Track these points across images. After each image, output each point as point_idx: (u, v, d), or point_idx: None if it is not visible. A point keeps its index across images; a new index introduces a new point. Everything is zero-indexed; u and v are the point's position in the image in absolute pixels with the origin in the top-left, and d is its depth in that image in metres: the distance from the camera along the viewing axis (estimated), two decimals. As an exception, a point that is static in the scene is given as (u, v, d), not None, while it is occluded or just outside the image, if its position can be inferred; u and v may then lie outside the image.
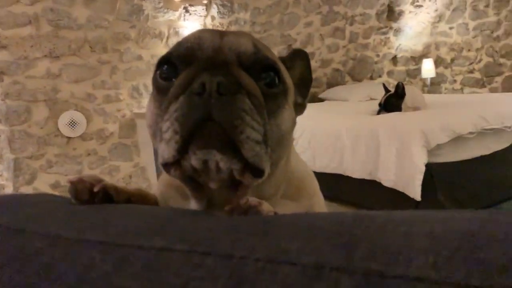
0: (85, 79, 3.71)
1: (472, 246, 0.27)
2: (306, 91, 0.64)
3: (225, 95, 0.46)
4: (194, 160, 0.46)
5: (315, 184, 0.69)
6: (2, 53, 3.42)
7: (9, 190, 3.61)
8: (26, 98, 3.51)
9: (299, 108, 0.62)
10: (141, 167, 4.01)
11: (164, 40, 4.06)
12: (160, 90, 0.52)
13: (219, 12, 4.30)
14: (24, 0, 3.44)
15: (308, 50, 4.89)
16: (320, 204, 0.68)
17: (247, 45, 0.51)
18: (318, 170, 3.42)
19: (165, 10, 4.03)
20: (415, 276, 0.25)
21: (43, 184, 3.61)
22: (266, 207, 0.48)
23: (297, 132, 3.40)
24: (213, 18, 4.29)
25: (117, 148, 3.92)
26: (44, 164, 3.60)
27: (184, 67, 0.51)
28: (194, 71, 0.48)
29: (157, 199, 0.62)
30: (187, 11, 4.13)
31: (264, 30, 4.57)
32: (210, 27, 4.27)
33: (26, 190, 3.55)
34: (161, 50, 4.03)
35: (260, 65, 0.51)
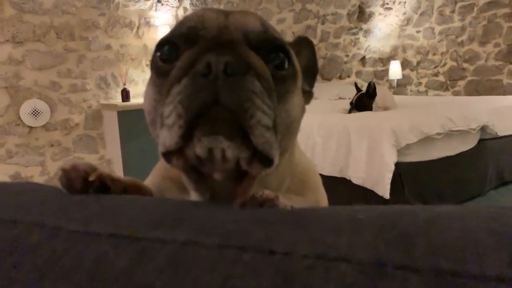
0: (50, 66, 3.56)
1: None
2: (312, 80, 0.61)
3: (233, 76, 0.41)
4: (199, 147, 0.42)
5: (318, 178, 0.66)
6: (-39, 35, 3.23)
7: (-36, 180, 3.42)
8: (-15, 84, 3.33)
9: (307, 96, 0.59)
10: (107, 160, 3.90)
11: (135, 30, 3.95)
12: (161, 73, 0.47)
13: (191, 3, 4.23)
14: (-15, -20, 3.26)
15: (279, 47, 4.89)
16: (324, 199, 0.65)
17: (254, 24, 0.48)
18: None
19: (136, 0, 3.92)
20: (494, 276, 0.23)
21: (2, 175, 3.44)
22: (283, 201, 0.44)
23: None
24: (185, 9, 4.21)
25: (82, 139, 3.79)
26: (4, 154, 3.43)
27: (186, 47, 0.46)
28: (198, 51, 0.44)
29: (151, 191, 0.57)
30: (159, 1, 4.03)
31: (236, 24, 4.53)
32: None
33: (-16, 181, 3.38)
34: (131, 40, 3.93)
35: (269, 45, 0.47)
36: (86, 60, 3.72)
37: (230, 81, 0.41)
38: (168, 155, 0.44)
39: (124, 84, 3.78)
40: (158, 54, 0.48)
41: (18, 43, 3.41)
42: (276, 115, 0.45)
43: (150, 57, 3.49)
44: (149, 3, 3.99)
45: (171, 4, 4.11)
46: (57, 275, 0.30)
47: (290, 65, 0.49)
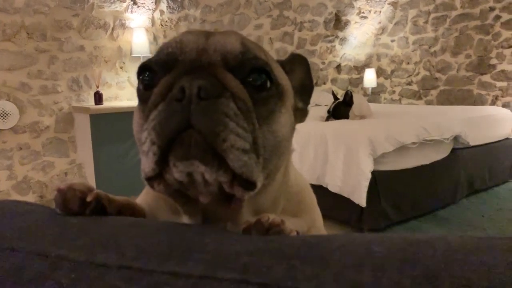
0: (20, 67, 3.44)
1: None
2: (307, 97, 0.60)
3: (207, 99, 0.41)
4: (176, 172, 0.42)
5: (313, 197, 0.65)
6: None
7: None
8: (-50, 84, 3.19)
9: (300, 114, 0.58)
10: (78, 164, 3.79)
11: (109, 31, 3.86)
12: (142, 100, 0.48)
13: (168, 6, 4.17)
14: (-47, -24, 3.12)
15: (256, 52, 4.87)
16: (319, 219, 0.64)
17: (234, 45, 0.47)
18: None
19: (112, 0, 3.83)
20: None
21: (-34, 179, 3.29)
22: (289, 227, 0.43)
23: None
24: (162, 12, 4.15)
25: (52, 143, 3.67)
26: (-31, 157, 3.29)
27: (165, 73, 0.46)
28: (174, 75, 0.44)
29: (144, 212, 0.55)
30: (135, 3, 3.96)
31: (214, 29, 4.48)
32: (158, 21, 4.13)
33: None
34: (105, 42, 3.84)
35: (248, 66, 0.46)
36: (58, 61, 3.61)
37: (203, 105, 0.41)
38: (149, 181, 0.44)
39: (98, 87, 3.68)
40: (140, 79, 0.49)
41: (-14, 42, 3.28)
42: (258, 137, 0.44)
43: (124, 60, 3.43)
44: (124, 5, 3.91)
45: (148, 6, 4.04)
46: None
47: (273, 85, 0.48)
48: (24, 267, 0.32)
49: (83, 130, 3.58)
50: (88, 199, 0.45)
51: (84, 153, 3.64)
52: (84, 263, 0.31)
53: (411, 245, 0.31)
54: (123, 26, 3.92)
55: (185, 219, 0.51)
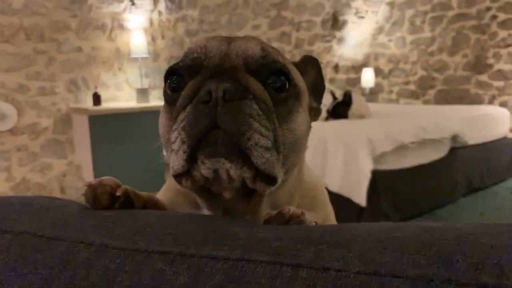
0: (18, 68, 3.43)
1: None
2: (319, 97, 0.62)
3: (232, 101, 0.44)
4: (203, 169, 0.45)
5: (326, 194, 0.67)
6: None
7: None
8: None
9: (314, 113, 0.61)
10: (76, 165, 3.78)
11: (107, 32, 3.86)
12: (170, 102, 0.51)
13: (166, 7, 4.17)
14: (-50, -23, 3.11)
15: (254, 52, 4.88)
16: (332, 214, 0.66)
17: (254, 49, 0.50)
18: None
19: (110, 1, 3.83)
20: None
21: (-35, 181, 3.28)
22: (308, 218, 0.46)
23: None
24: (160, 13, 4.15)
25: (51, 144, 3.67)
26: (-33, 159, 3.28)
27: (191, 77, 0.49)
28: (201, 79, 0.47)
29: (165, 206, 0.58)
30: (133, 3, 3.95)
31: (212, 29, 4.49)
32: (156, 22, 4.13)
33: None
34: (103, 43, 3.84)
35: (268, 69, 0.49)
36: (56, 63, 3.61)
37: (228, 106, 0.44)
38: (177, 177, 0.47)
39: (96, 88, 3.68)
40: (168, 83, 0.51)
41: (-16, 44, 3.28)
42: (278, 135, 0.47)
43: (122, 61, 3.43)
44: (122, 6, 3.91)
45: (146, 7, 4.04)
46: None
47: (291, 86, 0.51)
48: (71, 255, 0.34)
49: (81, 131, 3.58)
50: (118, 193, 0.48)
51: (83, 154, 3.64)
52: (127, 250, 0.33)
53: (426, 230, 0.33)
54: (121, 27, 3.92)
55: (205, 213, 0.54)
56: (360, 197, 2.74)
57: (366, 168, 2.76)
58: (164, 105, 0.53)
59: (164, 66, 4.21)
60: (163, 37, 4.19)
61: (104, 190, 0.47)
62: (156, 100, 4.09)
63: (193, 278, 0.30)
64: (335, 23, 5.56)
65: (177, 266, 0.31)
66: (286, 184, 0.53)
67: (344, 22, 5.63)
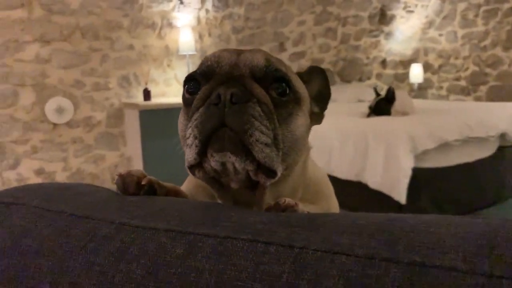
0: (75, 65, 3.66)
1: (491, 245, 0.33)
2: (324, 103, 0.69)
3: (238, 103, 0.51)
4: (212, 162, 0.52)
5: (330, 188, 0.73)
6: (-9, 34, 3.35)
7: (-9, 174, 3.55)
8: (13, 82, 3.45)
9: (316, 117, 0.67)
10: (127, 157, 3.99)
11: (157, 30, 4.03)
12: (186, 104, 0.58)
13: (213, 5, 4.29)
14: (16, -19, 3.37)
15: (299, 49, 4.92)
16: (335, 206, 0.72)
17: (259, 60, 0.57)
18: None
19: (160, 1, 4.00)
20: (449, 266, 0.31)
21: (27, 170, 3.56)
22: (301, 208, 0.53)
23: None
24: (207, 11, 4.28)
25: (104, 137, 3.89)
26: (29, 150, 3.55)
27: (205, 82, 0.57)
28: (212, 85, 0.55)
29: (187, 196, 0.66)
30: (181, 2, 4.10)
31: (257, 26, 4.57)
32: (203, 20, 4.26)
33: (10, 175, 3.50)
34: (153, 40, 4.01)
35: (271, 76, 0.57)
36: (109, 60, 3.82)
37: (234, 108, 0.51)
38: (191, 169, 0.55)
39: (146, 84, 3.86)
40: (186, 87, 0.59)
41: (45, 43, 3.53)
42: (278, 134, 0.54)
43: (171, 58, 3.58)
44: (171, 4, 4.06)
45: (194, 5, 4.18)
46: (128, 260, 0.39)
47: (291, 92, 0.58)
48: (95, 230, 0.42)
49: (132, 125, 3.77)
50: (143, 182, 0.56)
51: (133, 147, 3.84)
52: (140, 227, 0.42)
53: (389, 220, 0.39)
54: (170, 25, 4.08)
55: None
56: (400, 195, 2.73)
57: (406, 166, 2.74)
58: (182, 107, 0.60)
59: (211, 63, 4.34)
60: (209, 35, 4.31)
61: (131, 179, 0.56)
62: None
63: (187, 250, 0.37)
64: (383, 17, 5.48)
65: (176, 240, 0.38)
66: (288, 179, 0.60)
67: (392, 17, 5.53)
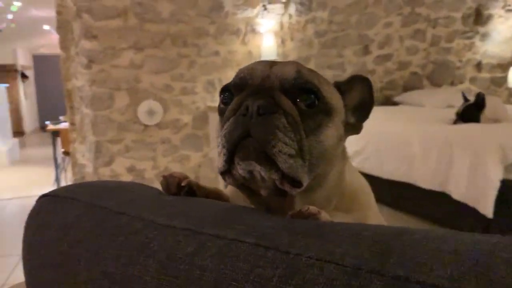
0: (165, 71, 3.91)
1: (486, 266, 0.32)
2: (365, 113, 0.68)
3: (264, 115, 0.54)
4: (240, 169, 0.55)
5: (369, 198, 0.72)
6: (93, 42, 3.70)
7: (89, 170, 3.91)
8: (110, 86, 3.77)
9: (352, 128, 0.67)
10: (210, 158, 4.16)
11: (241, 36, 4.16)
12: (221, 113, 0.62)
13: (296, 10, 4.33)
14: (115, -6, 3.69)
15: (385, 51, 4.78)
16: (373, 217, 0.71)
17: (290, 72, 0.59)
18: (385, 176, 3.35)
19: (244, 7, 4.12)
20: (432, 283, 0.31)
21: (120, 167, 3.87)
22: (324, 216, 0.54)
23: (364, 137, 3.34)
24: (290, 16, 4.32)
25: (190, 138, 4.10)
26: (122, 149, 3.86)
27: (238, 93, 0.60)
28: (243, 96, 0.57)
29: (228, 198, 0.70)
30: (265, 8, 4.19)
31: (341, 29, 4.53)
32: (286, 25, 4.31)
33: (104, 171, 3.83)
34: (237, 46, 4.15)
35: (300, 88, 0.58)
36: (196, 65, 4.02)
37: (260, 119, 0.54)
38: (222, 175, 0.58)
39: (229, 88, 4.00)
40: (221, 97, 0.63)
41: (139, 49, 3.81)
42: (305, 145, 0.55)
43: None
44: (255, 11, 4.17)
45: (277, 11, 4.25)
46: (147, 254, 0.44)
47: (320, 103, 0.59)
48: (127, 226, 0.48)
49: (216, 128, 3.92)
50: (182, 184, 0.61)
51: (216, 148, 3.99)
52: (163, 225, 0.46)
53: (398, 233, 0.39)
54: (253, 31, 4.19)
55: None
56: (486, 208, 2.55)
57: (495, 177, 2.55)
58: (218, 116, 0.63)
59: (293, 67, 4.38)
60: (292, 39, 4.36)
61: (173, 180, 0.61)
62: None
63: (197, 249, 0.41)
64: (479, 18, 5.12)
65: (190, 239, 0.43)
66: (322, 188, 0.62)
67: (490, 17, 5.15)
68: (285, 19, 4.31)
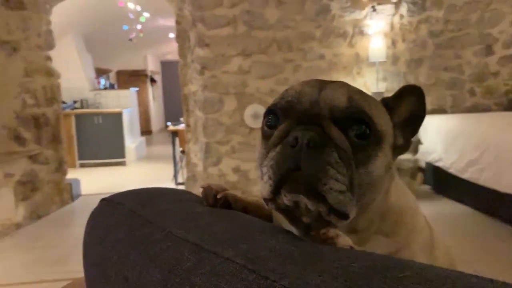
0: (270, 75, 4.01)
1: None
2: (414, 129, 0.63)
3: (314, 148, 0.50)
4: (285, 200, 0.53)
5: (416, 220, 0.67)
6: (205, 50, 3.95)
7: (199, 169, 4.17)
8: (220, 91, 3.99)
9: (400, 150, 0.63)
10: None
11: (348, 39, 4.10)
12: (265, 136, 0.59)
13: (408, 10, 4.12)
14: (226, 3, 3.89)
15: (511, 51, 4.32)
16: (420, 242, 0.65)
17: (341, 99, 0.55)
18: (503, 190, 3.05)
19: (352, 10, 4.05)
20: None
21: (226, 167, 4.07)
22: (343, 240, 0.51)
23: (481, 146, 3.09)
24: (401, 16, 4.14)
25: (293, 141, 4.14)
26: (229, 150, 4.05)
27: (284, 117, 0.57)
28: (290, 123, 0.54)
29: (268, 211, 0.68)
30: (374, 10, 4.07)
31: (458, 28, 4.20)
32: (397, 26, 4.14)
33: (213, 171, 4.06)
34: (344, 49, 4.09)
35: (351, 119, 0.54)
36: (301, 69, 4.06)
37: (310, 153, 0.50)
38: (265, 201, 0.56)
39: (334, 92, 3.96)
40: (265, 119, 0.60)
41: (247, 56, 3.97)
42: (355, 178, 0.52)
43: (361, 66, 3.60)
44: (364, 13, 4.07)
45: (387, 12, 4.10)
46: (156, 264, 0.47)
47: (372, 133, 0.55)
48: (150, 235, 0.51)
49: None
50: (218, 196, 0.62)
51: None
52: (179, 238, 0.49)
53: (382, 268, 0.38)
54: (361, 33, 4.10)
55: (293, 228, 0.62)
56: None
57: None
58: (261, 137, 0.60)
59: (404, 70, 4.19)
60: (403, 40, 4.16)
61: (210, 192, 0.62)
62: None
63: (195, 264, 0.43)
64: None
65: (193, 254, 0.45)
66: (365, 214, 0.58)
67: None
68: (396, 19, 4.14)
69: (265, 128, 0.59)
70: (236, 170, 4.08)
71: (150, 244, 0.50)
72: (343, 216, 0.52)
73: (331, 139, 0.51)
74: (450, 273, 0.38)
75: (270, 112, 0.59)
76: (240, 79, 3.98)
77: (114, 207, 0.62)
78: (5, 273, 2.90)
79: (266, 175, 0.53)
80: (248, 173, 4.09)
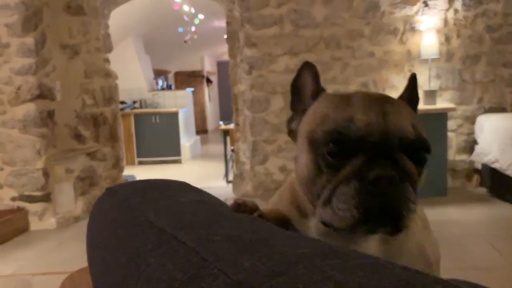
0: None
1: None
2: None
3: (395, 185, 0.53)
4: (358, 233, 0.56)
5: (432, 257, 0.68)
6: (252, 50, 4.00)
7: (247, 167, 4.24)
8: (267, 90, 4.03)
9: None
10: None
11: (399, 36, 3.98)
12: (327, 164, 0.57)
13: (463, 4, 3.94)
14: (272, 3, 3.92)
15: None
16: (416, 239, 0.66)
17: (408, 129, 0.56)
18: None
19: (402, 6, 3.94)
20: None
21: (272, 166, 4.10)
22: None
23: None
24: (456, 11, 3.96)
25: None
26: (275, 149, 4.08)
27: (353, 150, 0.55)
28: (364, 159, 0.54)
29: (286, 216, 0.68)
30: (426, 5, 3.93)
31: (520, 22, 3.96)
32: (451, 21, 3.96)
33: (259, 169, 4.10)
34: (395, 46, 3.98)
35: (419, 149, 0.56)
36: (350, 67, 4.00)
37: (391, 190, 0.53)
38: (327, 225, 0.57)
39: (383, 90, 3.88)
40: (327, 147, 0.56)
41: (294, 55, 3.97)
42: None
43: (413, 63, 3.51)
44: (415, 8, 3.94)
45: (440, 7, 3.94)
46: (125, 246, 0.49)
47: (427, 155, 0.58)
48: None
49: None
50: (254, 215, 0.59)
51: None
52: (151, 222, 0.52)
53: (302, 254, 0.38)
54: (412, 29, 3.97)
55: (311, 222, 0.63)
56: None
57: None
58: (312, 155, 0.58)
59: (459, 66, 4.02)
60: (458, 36, 3.98)
61: (245, 209, 0.59)
62: (444, 102, 3.95)
63: (154, 246, 0.46)
64: None
65: (156, 237, 0.47)
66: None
67: None
68: (450, 14, 3.97)
69: (329, 159, 0.56)
70: (283, 169, 4.10)
71: (128, 229, 0.53)
72: (398, 233, 0.55)
73: (406, 174, 0.54)
74: (382, 263, 0.38)
75: (335, 140, 0.56)
76: (287, 78, 3.99)
77: (111, 195, 0.67)
78: (62, 262, 3.10)
79: (345, 212, 0.53)
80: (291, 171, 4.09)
